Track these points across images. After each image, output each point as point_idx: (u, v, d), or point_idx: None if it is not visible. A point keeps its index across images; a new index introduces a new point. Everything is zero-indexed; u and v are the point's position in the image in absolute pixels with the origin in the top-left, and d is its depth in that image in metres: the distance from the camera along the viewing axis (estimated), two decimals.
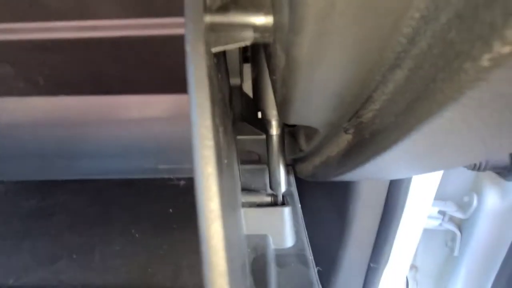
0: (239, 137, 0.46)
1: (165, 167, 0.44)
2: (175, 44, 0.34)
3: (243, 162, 0.46)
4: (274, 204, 0.37)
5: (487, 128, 0.13)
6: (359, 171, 0.22)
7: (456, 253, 0.60)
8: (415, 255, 0.71)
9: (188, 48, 0.15)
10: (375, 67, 0.15)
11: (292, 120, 0.22)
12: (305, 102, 0.19)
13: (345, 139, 0.23)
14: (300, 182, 0.47)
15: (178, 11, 0.32)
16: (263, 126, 0.35)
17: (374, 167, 0.20)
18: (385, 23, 0.13)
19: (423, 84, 0.13)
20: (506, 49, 0.09)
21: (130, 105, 0.44)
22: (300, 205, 0.41)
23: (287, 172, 0.37)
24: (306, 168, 0.39)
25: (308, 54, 0.14)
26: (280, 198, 0.37)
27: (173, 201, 0.42)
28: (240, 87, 0.44)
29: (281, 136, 0.35)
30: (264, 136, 0.37)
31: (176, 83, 0.41)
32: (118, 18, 0.32)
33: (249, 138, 0.47)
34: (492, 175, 0.54)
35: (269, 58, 0.21)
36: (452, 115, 0.13)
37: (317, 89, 0.17)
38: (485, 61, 0.09)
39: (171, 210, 0.41)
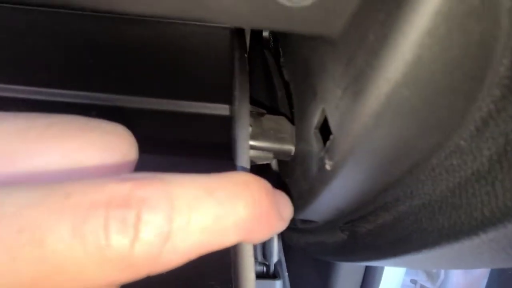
0: None
1: None
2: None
3: None
4: (266, 273, 0.40)
5: None
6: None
7: None
8: None
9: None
10: (385, 190, 0.20)
11: (301, 216, 0.26)
12: (321, 205, 0.23)
13: (340, 235, 0.27)
14: (284, 245, 0.50)
15: None
16: None
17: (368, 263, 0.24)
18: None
19: (412, 227, 0.18)
20: None
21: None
22: (287, 274, 0.44)
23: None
24: (297, 240, 0.43)
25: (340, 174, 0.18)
26: (272, 268, 0.40)
27: None
28: None
29: None
30: None
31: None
32: None
33: None
34: None
35: (288, 167, 0.26)
36: (435, 253, 0.17)
37: (336, 199, 0.22)
38: None
39: None
